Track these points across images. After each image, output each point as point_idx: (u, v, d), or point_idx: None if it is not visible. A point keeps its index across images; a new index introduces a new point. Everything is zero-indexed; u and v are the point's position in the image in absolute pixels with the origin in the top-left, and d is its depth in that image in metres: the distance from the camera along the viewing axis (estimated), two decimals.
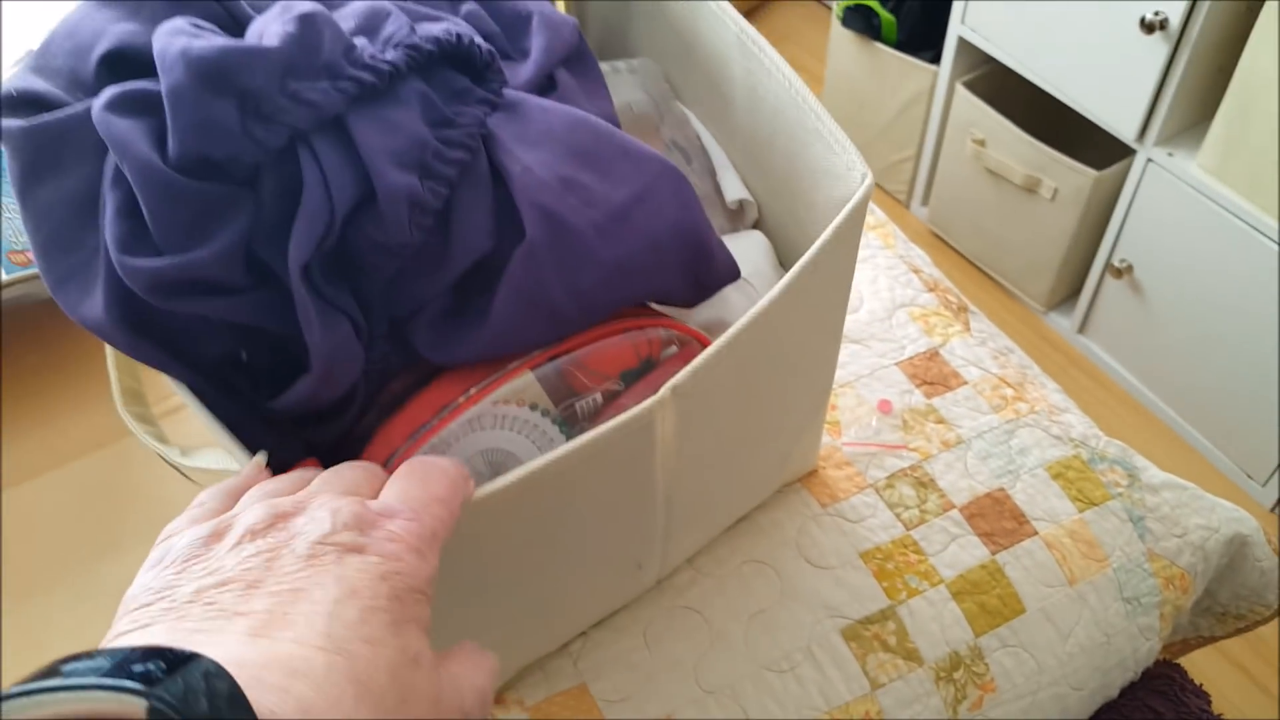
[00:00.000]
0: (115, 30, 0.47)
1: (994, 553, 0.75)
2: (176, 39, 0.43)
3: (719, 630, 0.71)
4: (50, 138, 0.46)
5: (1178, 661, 0.87)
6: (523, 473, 0.42)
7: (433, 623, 0.52)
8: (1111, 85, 1.34)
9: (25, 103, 0.47)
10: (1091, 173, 1.42)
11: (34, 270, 0.69)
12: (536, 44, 0.54)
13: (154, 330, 0.45)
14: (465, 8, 0.53)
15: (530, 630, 0.62)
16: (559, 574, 0.55)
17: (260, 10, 0.49)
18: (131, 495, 0.62)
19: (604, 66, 0.67)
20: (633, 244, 0.49)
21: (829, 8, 2.39)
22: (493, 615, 0.56)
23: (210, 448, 0.52)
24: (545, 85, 0.54)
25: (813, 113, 0.55)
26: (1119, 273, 1.45)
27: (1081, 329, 1.62)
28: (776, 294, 0.46)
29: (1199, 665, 1.30)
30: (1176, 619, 0.80)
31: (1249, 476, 1.43)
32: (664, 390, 0.44)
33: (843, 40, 1.81)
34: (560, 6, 0.70)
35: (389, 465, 0.50)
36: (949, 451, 0.81)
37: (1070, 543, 0.76)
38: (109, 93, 0.43)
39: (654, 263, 0.50)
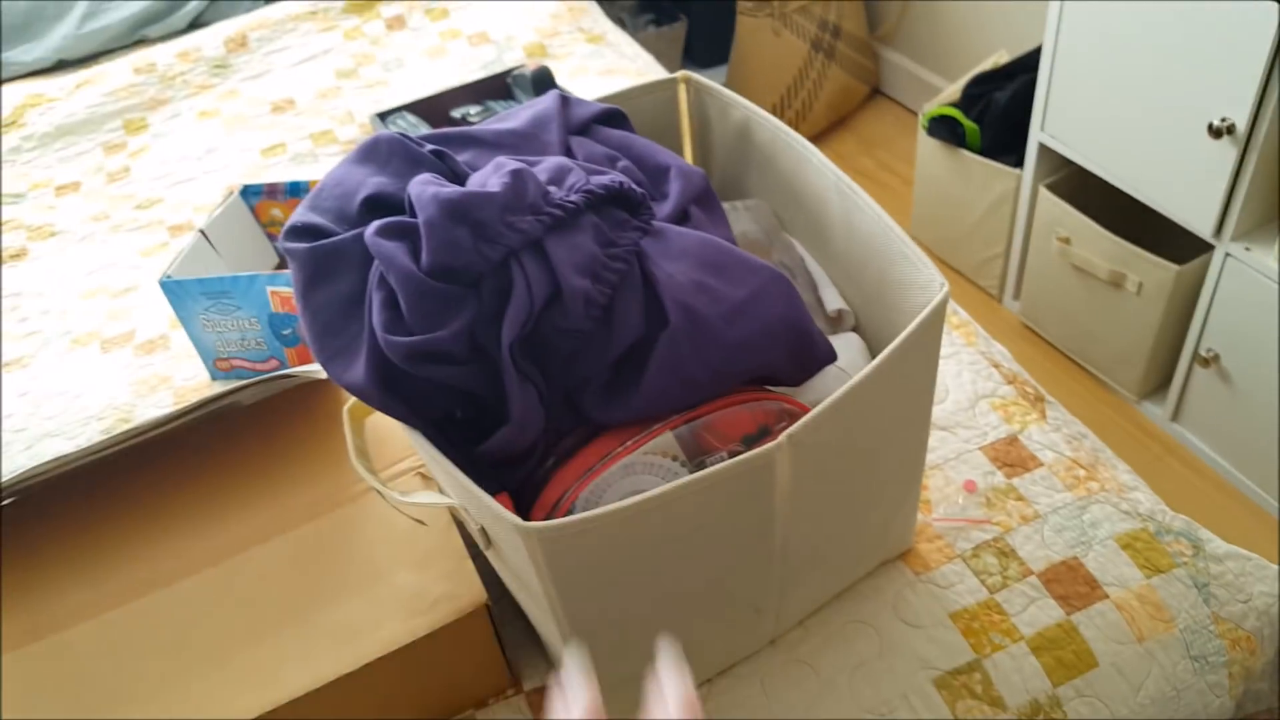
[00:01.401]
0: (372, 182, 0.68)
1: (1069, 613, 0.88)
2: (429, 187, 0.63)
3: (827, 680, 0.85)
4: (326, 255, 0.66)
5: None
6: (664, 489, 0.58)
7: (586, 644, 0.68)
8: (1186, 185, 1.48)
9: (305, 231, 0.68)
10: (1173, 268, 1.56)
11: (236, 379, 0.89)
12: (674, 188, 0.74)
13: (398, 392, 0.64)
14: (621, 164, 0.73)
15: None
16: (689, 601, 0.71)
17: (474, 168, 0.70)
18: (342, 556, 0.80)
19: (725, 205, 0.86)
20: (750, 330, 0.67)
21: (916, 115, 2.60)
22: (632, 644, 0.72)
23: (423, 491, 0.71)
24: (681, 217, 0.73)
25: (899, 239, 0.73)
26: (1206, 362, 1.57)
27: (1174, 417, 1.73)
28: (874, 367, 0.63)
29: None
30: (1247, 681, 0.91)
31: None
32: (782, 437, 0.60)
33: (930, 147, 2.00)
34: (689, 159, 0.90)
35: (562, 502, 0.68)
36: (1028, 525, 0.94)
37: (1138, 605, 0.88)
38: (377, 224, 0.64)
39: (767, 345, 0.67)
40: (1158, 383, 1.78)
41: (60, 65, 1.92)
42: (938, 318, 0.68)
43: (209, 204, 1.50)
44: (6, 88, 1.82)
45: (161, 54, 1.82)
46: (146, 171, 1.61)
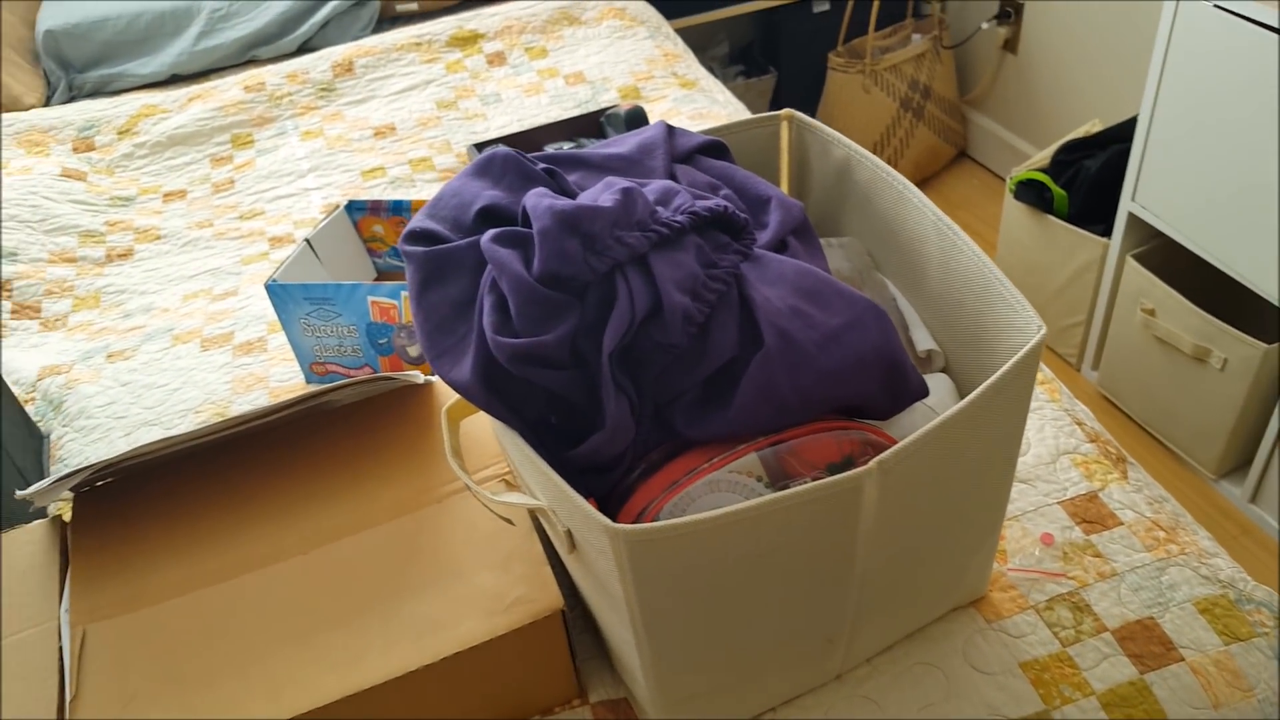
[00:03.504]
0: (487, 194, 0.73)
1: (1142, 673, 0.88)
2: (544, 199, 0.67)
3: (892, 717, 0.85)
4: (441, 260, 0.71)
5: None
6: (754, 503, 0.61)
7: (660, 659, 0.70)
8: (1277, 262, 1.48)
9: (423, 236, 0.73)
10: (1262, 345, 1.55)
11: (330, 383, 0.94)
12: (774, 218, 0.77)
13: (500, 392, 0.68)
14: (723, 192, 0.77)
15: (733, 687, 0.79)
16: (764, 622, 0.73)
17: (582, 188, 0.74)
18: (426, 553, 0.83)
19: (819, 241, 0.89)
20: (844, 358, 0.69)
21: (1003, 180, 2.61)
22: (705, 659, 0.74)
23: (512, 491, 0.74)
24: (780, 246, 0.76)
25: (998, 281, 0.75)
26: None
27: (1253, 498, 1.70)
28: (970, 401, 0.65)
29: None
30: None
31: None
32: (873, 463, 0.63)
33: (1015, 211, 2.02)
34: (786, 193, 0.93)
35: (647, 512, 0.70)
36: (1104, 582, 0.94)
37: (1215, 671, 0.88)
38: (493, 232, 0.68)
39: (859, 374, 0.70)
40: (1237, 462, 1.75)
41: (174, 79, 2.04)
42: (1033, 359, 0.70)
43: (309, 219, 1.58)
44: (123, 98, 1.94)
45: (271, 74, 1.92)
46: (250, 185, 1.69)
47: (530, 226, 0.68)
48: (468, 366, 0.67)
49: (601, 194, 0.69)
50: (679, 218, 0.69)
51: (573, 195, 0.75)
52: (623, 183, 0.69)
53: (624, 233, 0.67)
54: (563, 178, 0.76)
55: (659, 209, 0.70)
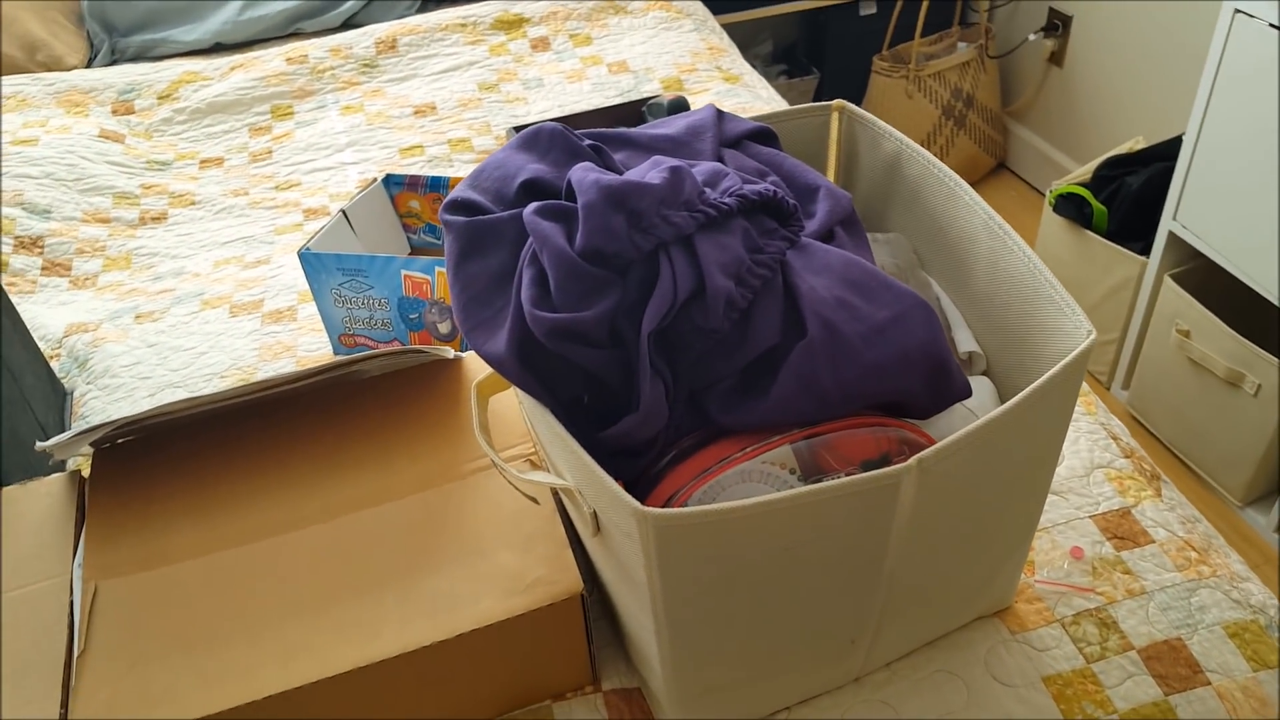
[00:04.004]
0: (531, 167, 0.71)
1: (1167, 694, 0.85)
2: (590, 173, 0.65)
3: None
4: (481, 231, 0.69)
5: None
6: (789, 493, 0.59)
7: (679, 649, 0.68)
8: None
9: (463, 206, 0.71)
10: None
11: (359, 353, 0.92)
12: (822, 208, 0.75)
13: (535, 368, 0.66)
14: (770, 179, 0.75)
15: (751, 683, 0.77)
16: (787, 618, 0.71)
17: (627, 167, 0.73)
18: (448, 528, 0.83)
19: None
20: (888, 352, 0.67)
21: (1041, 193, 2.58)
22: (724, 652, 0.72)
23: (537, 471, 0.72)
24: (827, 236, 0.75)
25: (1048, 284, 0.73)
26: None
27: (1279, 528, 1.67)
28: (1015, 403, 0.63)
29: None
30: None
31: None
32: (912, 460, 0.61)
33: (1053, 224, 1.99)
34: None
35: (675, 498, 0.69)
36: (1132, 599, 0.92)
37: (1242, 697, 0.85)
38: (536, 204, 0.66)
39: (903, 370, 0.68)
40: (1265, 490, 1.72)
41: (217, 48, 2.04)
42: (1081, 364, 0.68)
43: (345, 193, 1.57)
44: (165, 63, 1.93)
45: (314, 47, 1.91)
46: (288, 156, 1.69)
47: (574, 201, 0.66)
48: (503, 340, 0.66)
49: (649, 171, 0.67)
50: (727, 200, 0.68)
51: (619, 173, 0.73)
52: (671, 161, 0.68)
53: (670, 212, 0.65)
54: (609, 155, 0.75)
55: (707, 190, 0.68)
